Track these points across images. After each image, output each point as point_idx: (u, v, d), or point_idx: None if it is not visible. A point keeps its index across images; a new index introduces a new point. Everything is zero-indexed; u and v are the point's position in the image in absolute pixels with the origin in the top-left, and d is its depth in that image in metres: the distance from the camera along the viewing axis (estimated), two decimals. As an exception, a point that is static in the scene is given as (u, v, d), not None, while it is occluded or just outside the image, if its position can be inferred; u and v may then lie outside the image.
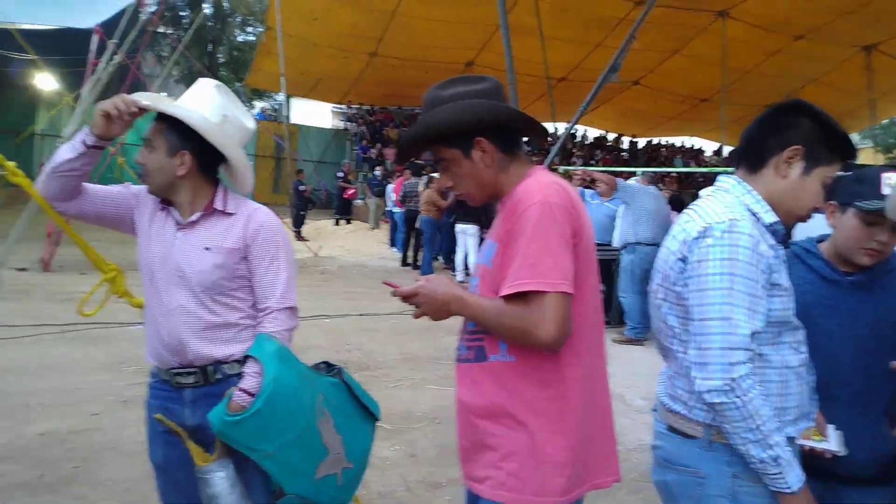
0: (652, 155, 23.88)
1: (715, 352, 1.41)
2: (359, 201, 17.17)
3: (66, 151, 1.86)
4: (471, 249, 10.26)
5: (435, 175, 12.42)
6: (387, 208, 14.19)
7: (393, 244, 13.12)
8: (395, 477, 3.41)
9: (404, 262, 11.71)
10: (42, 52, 11.03)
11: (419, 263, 11.43)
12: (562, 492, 1.45)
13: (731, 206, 1.50)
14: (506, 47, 10.40)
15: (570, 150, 20.90)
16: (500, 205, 1.60)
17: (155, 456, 2.01)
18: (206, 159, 1.91)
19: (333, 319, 6.88)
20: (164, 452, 1.97)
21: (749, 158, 1.59)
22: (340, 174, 16.87)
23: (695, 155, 25.27)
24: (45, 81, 14.83)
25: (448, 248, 11.35)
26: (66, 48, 11.82)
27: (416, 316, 1.56)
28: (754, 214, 1.51)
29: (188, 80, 26.56)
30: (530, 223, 1.43)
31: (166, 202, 1.95)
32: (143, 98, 1.88)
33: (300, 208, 14.77)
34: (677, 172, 16.90)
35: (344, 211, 16.33)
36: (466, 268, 10.36)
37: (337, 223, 15.95)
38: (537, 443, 1.46)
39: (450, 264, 11.32)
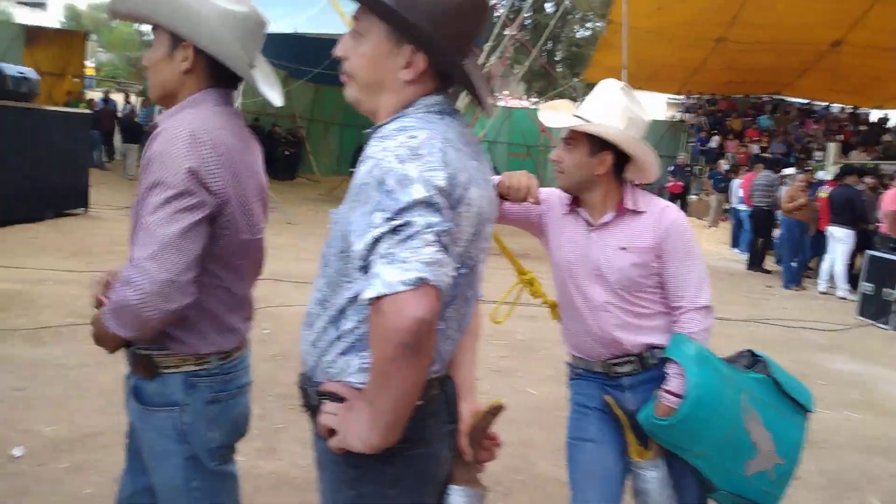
0: None
1: None
2: (693, 196, 16.28)
3: None
4: (839, 258, 8.82)
5: (791, 170, 11.09)
6: (730, 205, 13.18)
7: (735, 245, 12.13)
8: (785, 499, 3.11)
9: (751, 265, 10.70)
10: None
11: (766, 268, 10.37)
12: None
13: None
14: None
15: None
16: None
17: (585, 431, 2.06)
18: (622, 158, 1.95)
19: (681, 318, 6.59)
20: (598, 426, 2.04)
21: None
22: (671, 168, 16.19)
23: None
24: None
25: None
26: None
27: None
28: None
29: (527, 76, 28.23)
30: None
31: (574, 203, 2.03)
32: (554, 113, 2.00)
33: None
34: None
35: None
36: (831, 278, 9.05)
37: (667, 219, 15.32)
38: None
39: (807, 271, 9.96)
